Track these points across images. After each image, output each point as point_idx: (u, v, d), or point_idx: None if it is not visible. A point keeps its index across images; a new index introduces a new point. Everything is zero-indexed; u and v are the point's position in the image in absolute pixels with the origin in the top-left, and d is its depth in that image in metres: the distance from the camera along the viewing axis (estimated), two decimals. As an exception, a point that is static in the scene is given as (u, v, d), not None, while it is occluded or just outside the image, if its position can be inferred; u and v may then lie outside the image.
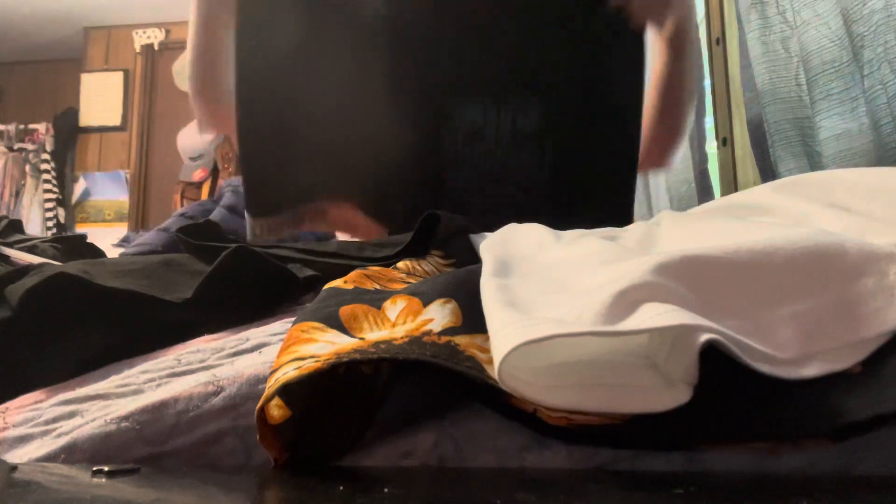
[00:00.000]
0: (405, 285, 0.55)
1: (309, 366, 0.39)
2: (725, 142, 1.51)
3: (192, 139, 3.85)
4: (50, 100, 4.44)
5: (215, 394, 0.45)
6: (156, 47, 4.18)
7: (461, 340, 0.41)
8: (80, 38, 4.29)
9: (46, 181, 4.13)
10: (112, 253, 1.29)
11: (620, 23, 0.97)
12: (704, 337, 0.34)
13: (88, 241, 1.21)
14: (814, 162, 1.06)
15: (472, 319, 0.43)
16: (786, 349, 0.37)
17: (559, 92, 0.99)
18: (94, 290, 0.59)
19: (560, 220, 0.70)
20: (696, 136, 1.59)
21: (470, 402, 0.43)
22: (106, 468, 0.37)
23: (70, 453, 0.43)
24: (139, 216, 4.06)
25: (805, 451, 0.38)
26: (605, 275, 0.42)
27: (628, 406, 0.36)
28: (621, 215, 0.96)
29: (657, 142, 1.06)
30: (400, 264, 0.64)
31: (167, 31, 4.19)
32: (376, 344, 0.41)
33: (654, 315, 0.35)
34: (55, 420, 0.48)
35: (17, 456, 0.45)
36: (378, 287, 0.55)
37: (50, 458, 0.44)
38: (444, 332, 0.42)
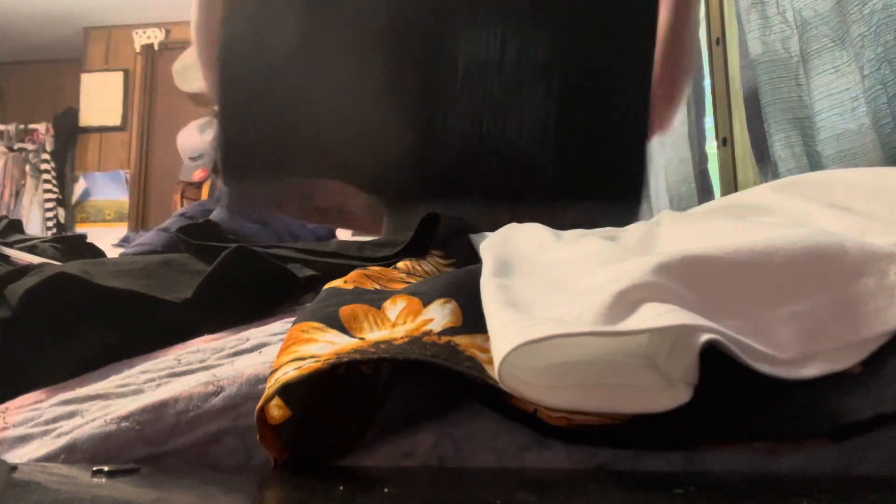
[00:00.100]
0: (405, 285, 0.55)
1: (309, 366, 0.39)
2: (725, 142, 1.51)
3: (192, 139, 3.85)
4: (50, 100, 4.44)
5: (215, 394, 0.45)
6: (156, 47, 4.18)
7: (461, 340, 0.41)
8: (80, 38, 4.29)
9: (46, 181, 4.13)
10: (112, 253, 1.29)
11: None
12: (704, 337, 0.34)
13: (88, 241, 1.21)
14: (814, 162, 1.06)
15: (473, 319, 0.43)
16: (786, 349, 0.37)
17: (570, 23, 0.89)
18: (93, 289, 0.59)
19: (564, 170, 0.65)
20: (696, 136, 1.59)
21: (470, 402, 0.43)
22: (106, 468, 0.37)
23: (70, 453, 0.43)
24: (139, 216, 4.06)
25: (805, 451, 0.38)
26: (605, 275, 0.42)
27: (628, 406, 0.36)
28: (631, 168, 0.87)
29: (657, 101, 1.02)
30: (400, 264, 0.64)
31: (167, 31, 4.19)
32: (376, 344, 0.41)
33: (655, 315, 0.35)
34: (55, 420, 0.48)
35: (17, 456, 0.45)
36: (378, 287, 0.55)
37: (50, 458, 0.44)
38: (444, 332, 0.42)
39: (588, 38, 0.90)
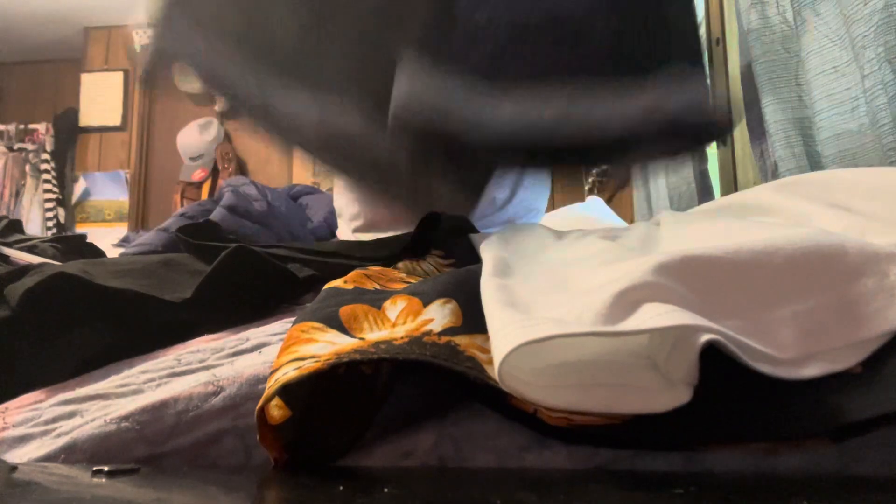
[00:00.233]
0: (405, 285, 0.55)
1: (309, 366, 0.39)
2: (725, 142, 1.51)
3: (192, 139, 3.85)
4: (50, 100, 4.43)
5: (215, 394, 0.45)
6: (156, 47, 4.18)
7: (461, 340, 0.41)
8: (80, 38, 4.29)
9: (46, 181, 4.12)
10: (112, 253, 1.29)
11: None
12: (705, 337, 0.34)
13: (88, 241, 1.21)
14: (814, 162, 1.06)
15: (473, 319, 0.43)
16: (786, 349, 0.37)
17: None
18: (93, 289, 0.59)
19: (620, 37, 0.54)
20: (696, 136, 1.59)
21: (470, 402, 0.43)
22: (106, 468, 0.37)
23: (70, 453, 0.43)
24: (139, 216, 4.06)
25: (805, 451, 0.38)
26: (605, 275, 0.42)
27: (628, 406, 0.36)
28: (686, 26, 0.72)
29: None
30: (400, 264, 0.64)
31: (167, 31, 4.19)
32: (376, 344, 0.41)
33: (655, 315, 0.35)
34: (55, 420, 0.48)
35: (17, 456, 0.45)
36: (378, 287, 0.55)
37: (50, 458, 0.44)
38: (445, 332, 0.42)
39: None
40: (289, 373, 0.39)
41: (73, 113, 4.24)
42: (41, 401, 0.51)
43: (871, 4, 0.85)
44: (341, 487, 0.36)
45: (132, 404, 0.46)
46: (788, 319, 0.39)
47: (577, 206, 1.71)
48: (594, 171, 2.53)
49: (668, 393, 0.36)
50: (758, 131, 1.22)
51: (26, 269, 0.66)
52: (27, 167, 4.23)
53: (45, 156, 4.18)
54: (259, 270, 0.64)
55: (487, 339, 0.39)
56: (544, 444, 0.40)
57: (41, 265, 0.70)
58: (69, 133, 4.25)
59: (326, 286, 0.54)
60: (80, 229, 4.00)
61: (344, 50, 0.76)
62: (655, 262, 0.39)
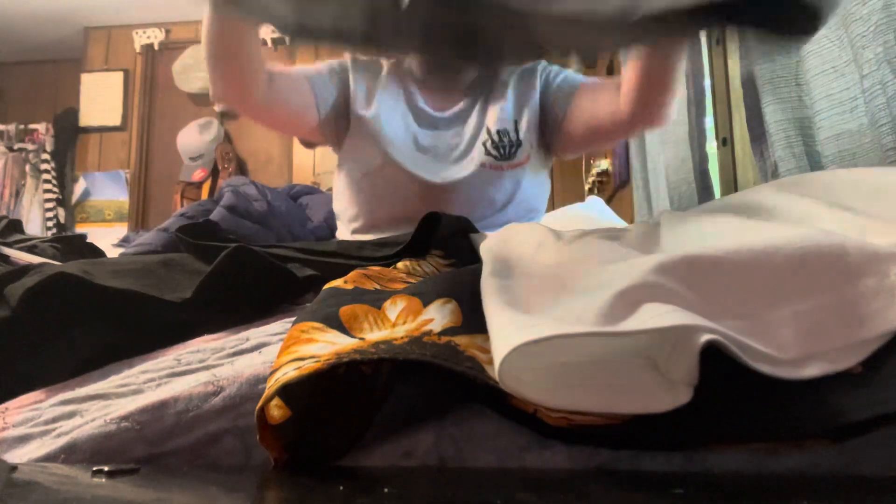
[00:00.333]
0: (405, 285, 0.55)
1: (309, 366, 0.39)
2: (725, 142, 1.51)
3: (192, 139, 3.85)
4: (50, 100, 4.43)
5: (215, 394, 0.45)
6: (156, 47, 4.18)
7: (461, 341, 0.41)
8: (80, 38, 4.29)
9: (46, 181, 4.12)
10: (112, 253, 1.29)
11: None
12: (705, 337, 0.34)
13: (88, 241, 1.21)
14: (814, 162, 1.06)
15: (473, 319, 0.43)
16: (786, 349, 0.37)
17: None
18: (93, 289, 0.59)
19: None
20: (696, 136, 1.59)
21: (470, 402, 0.43)
22: (106, 468, 0.37)
23: (70, 453, 0.43)
24: (139, 216, 4.06)
25: (805, 451, 0.38)
26: (605, 275, 0.42)
27: (629, 406, 0.36)
28: None
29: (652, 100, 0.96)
30: (400, 264, 0.64)
31: (167, 31, 4.19)
32: (376, 344, 0.41)
33: (655, 315, 0.35)
34: (55, 420, 0.48)
35: (17, 456, 0.45)
36: (378, 287, 0.55)
37: (50, 458, 0.44)
38: (445, 332, 0.42)
39: None
40: (289, 373, 0.39)
41: (73, 113, 4.24)
42: (41, 401, 0.51)
43: (869, 4, 0.85)
44: (341, 487, 0.36)
45: (132, 404, 0.46)
46: (788, 319, 0.39)
47: (577, 206, 1.72)
48: (594, 172, 2.52)
49: (668, 393, 0.36)
50: (758, 131, 1.22)
51: (26, 269, 0.66)
52: (27, 167, 4.23)
53: (45, 156, 4.18)
54: (259, 270, 0.64)
55: (487, 339, 0.39)
56: (544, 444, 0.40)
57: (41, 265, 0.70)
58: (69, 133, 4.25)
59: (326, 286, 0.54)
60: (80, 229, 4.00)
61: None
62: (655, 262, 0.39)
